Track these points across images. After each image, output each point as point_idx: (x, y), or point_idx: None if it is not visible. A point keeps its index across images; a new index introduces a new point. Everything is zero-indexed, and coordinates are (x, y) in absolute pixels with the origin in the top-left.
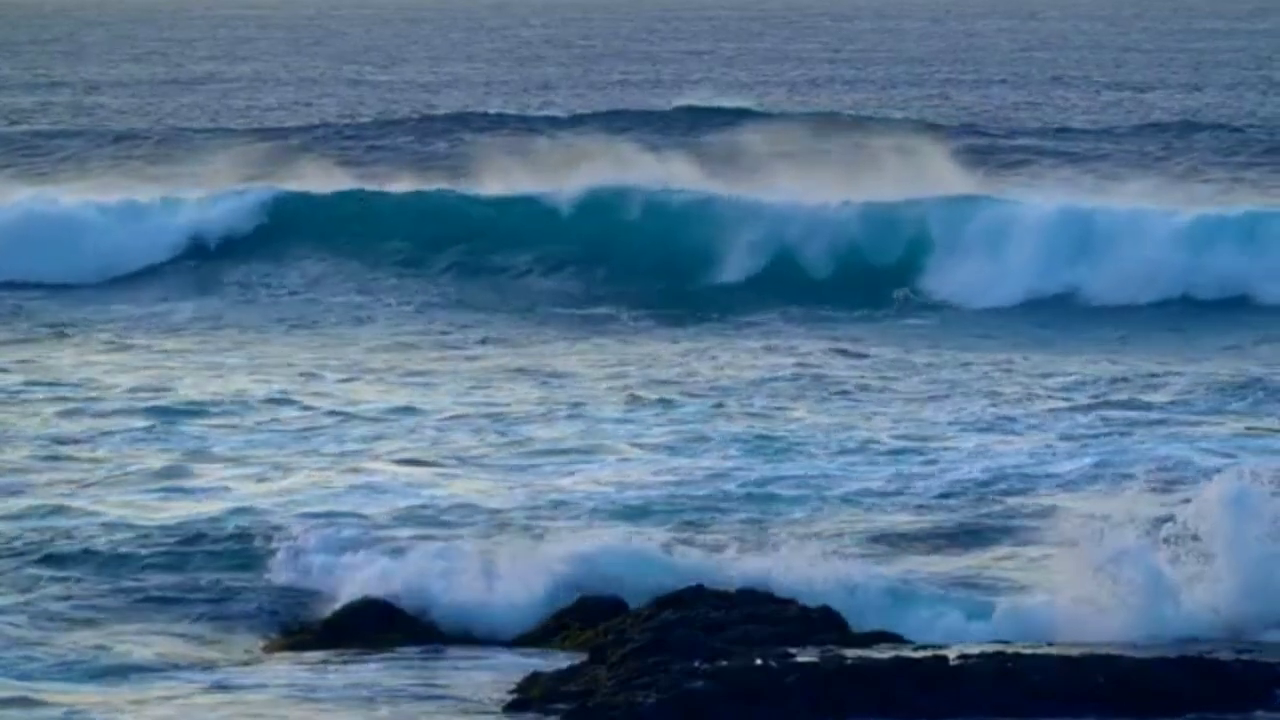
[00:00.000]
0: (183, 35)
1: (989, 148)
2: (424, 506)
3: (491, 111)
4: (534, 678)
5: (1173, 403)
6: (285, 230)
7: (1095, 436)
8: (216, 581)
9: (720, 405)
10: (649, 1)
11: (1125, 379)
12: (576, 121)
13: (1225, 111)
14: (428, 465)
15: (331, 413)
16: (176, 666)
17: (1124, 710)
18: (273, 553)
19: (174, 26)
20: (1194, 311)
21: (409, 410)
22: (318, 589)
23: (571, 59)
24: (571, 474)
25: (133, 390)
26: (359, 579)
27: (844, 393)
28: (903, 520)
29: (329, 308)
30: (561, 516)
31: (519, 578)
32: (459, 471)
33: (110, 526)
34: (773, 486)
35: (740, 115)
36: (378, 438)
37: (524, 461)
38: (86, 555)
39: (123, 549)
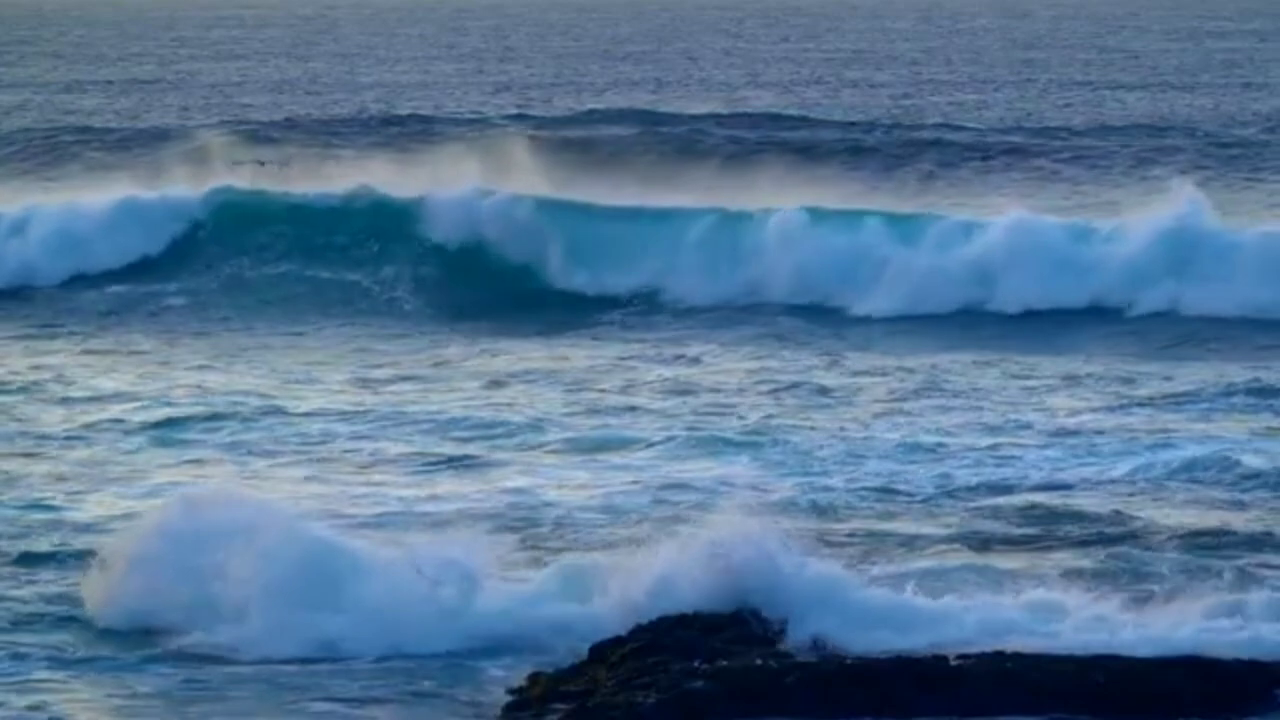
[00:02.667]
0: (175, 35)
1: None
2: (401, 512)
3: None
4: (534, 678)
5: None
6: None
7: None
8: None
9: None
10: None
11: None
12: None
13: (1199, 113)
14: (396, 470)
15: (307, 414)
16: (163, 662)
17: (1124, 710)
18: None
19: (170, 26)
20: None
21: (376, 414)
22: None
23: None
24: (547, 480)
25: (105, 392)
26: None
27: (802, 396)
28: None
29: (251, 313)
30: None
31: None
32: (417, 477)
33: (86, 526)
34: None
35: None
36: (366, 439)
37: (488, 466)
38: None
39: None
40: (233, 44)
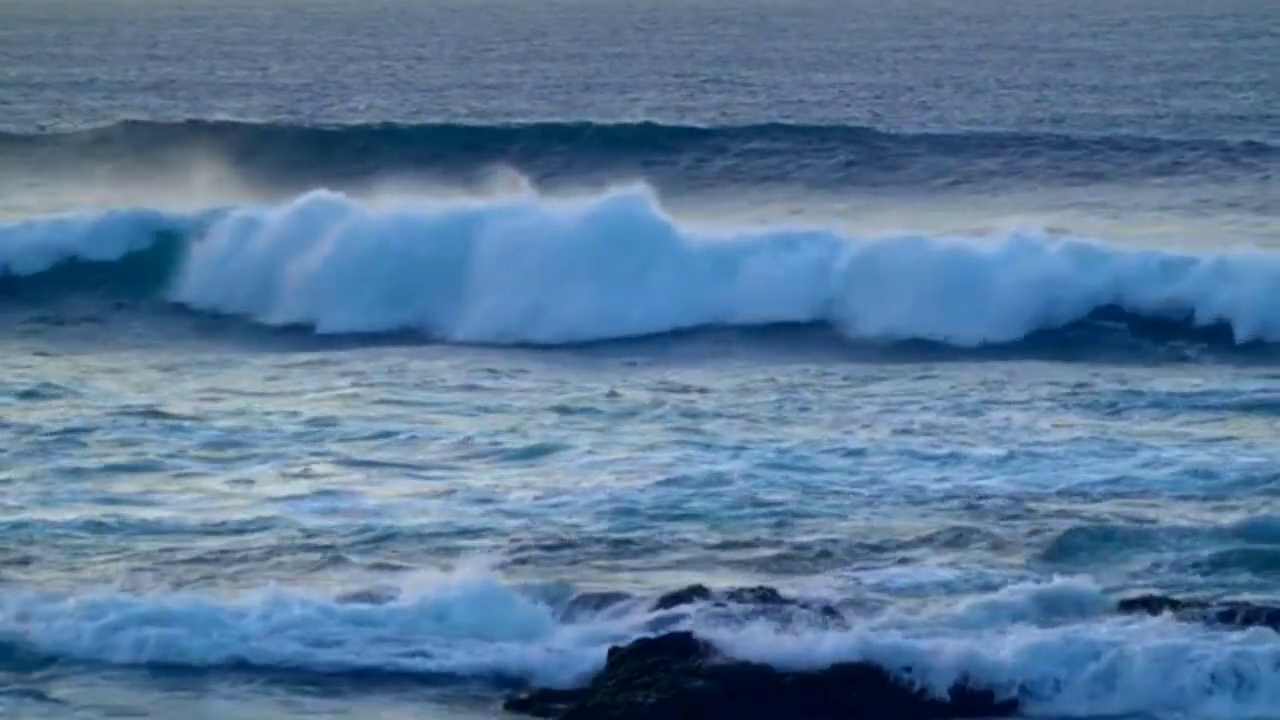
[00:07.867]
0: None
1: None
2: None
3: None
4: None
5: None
6: None
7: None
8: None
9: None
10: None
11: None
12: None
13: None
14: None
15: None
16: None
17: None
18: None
19: (152, 25)
20: None
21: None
22: None
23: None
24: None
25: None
26: None
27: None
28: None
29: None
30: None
31: None
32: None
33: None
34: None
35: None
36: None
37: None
38: None
39: None
40: (179, 45)
